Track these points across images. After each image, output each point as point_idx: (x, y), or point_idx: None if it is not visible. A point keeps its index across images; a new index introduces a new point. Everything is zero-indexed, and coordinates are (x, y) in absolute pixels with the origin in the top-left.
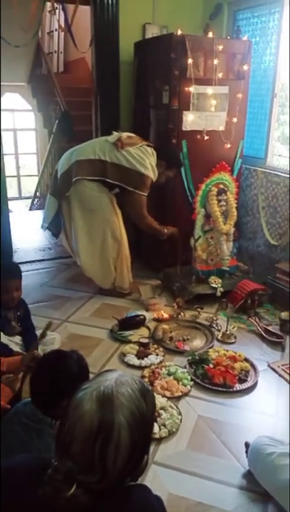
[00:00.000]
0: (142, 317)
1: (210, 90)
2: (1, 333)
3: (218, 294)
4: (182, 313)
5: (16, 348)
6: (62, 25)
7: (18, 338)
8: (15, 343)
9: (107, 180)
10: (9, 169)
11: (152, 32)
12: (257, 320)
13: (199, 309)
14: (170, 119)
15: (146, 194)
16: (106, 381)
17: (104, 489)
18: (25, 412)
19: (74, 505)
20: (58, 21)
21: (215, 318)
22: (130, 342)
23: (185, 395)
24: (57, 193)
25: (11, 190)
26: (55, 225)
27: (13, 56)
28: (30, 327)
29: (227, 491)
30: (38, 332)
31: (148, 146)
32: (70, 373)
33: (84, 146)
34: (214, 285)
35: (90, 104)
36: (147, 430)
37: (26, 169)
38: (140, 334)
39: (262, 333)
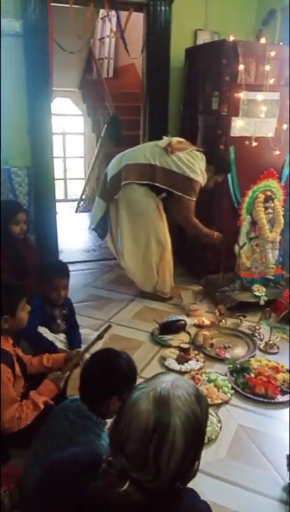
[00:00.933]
0: (183, 322)
1: (260, 96)
2: (47, 330)
3: (262, 302)
4: (223, 321)
5: (61, 346)
6: (115, 32)
7: (62, 336)
8: (59, 340)
9: (156, 184)
10: (57, 172)
11: (203, 38)
12: None
13: (241, 317)
14: (219, 124)
15: (194, 199)
16: (163, 383)
17: (156, 489)
18: (72, 408)
19: (127, 502)
20: (111, 28)
21: (257, 327)
22: (170, 346)
23: (225, 402)
24: (106, 196)
25: (58, 193)
26: (102, 227)
27: (65, 62)
28: (75, 325)
29: (267, 502)
30: (81, 331)
31: (197, 151)
32: (120, 373)
33: (135, 150)
34: (257, 293)
35: (138, 109)
36: (200, 435)
37: (73, 172)
38: (180, 339)
39: None
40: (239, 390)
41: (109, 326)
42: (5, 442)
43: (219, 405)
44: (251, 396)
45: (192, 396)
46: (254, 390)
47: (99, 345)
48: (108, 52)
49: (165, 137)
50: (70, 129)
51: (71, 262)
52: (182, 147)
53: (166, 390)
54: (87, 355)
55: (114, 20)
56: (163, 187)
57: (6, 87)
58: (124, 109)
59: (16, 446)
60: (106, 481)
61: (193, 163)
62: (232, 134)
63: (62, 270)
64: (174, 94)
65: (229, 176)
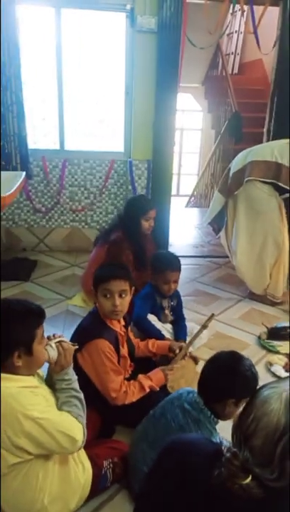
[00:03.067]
0: None
1: None
2: (156, 319)
3: None
4: None
5: (167, 335)
6: (245, 27)
7: (169, 326)
8: (166, 330)
9: (280, 184)
10: None
11: None
12: None
13: None
14: None
15: None
16: None
17: (278, 489)
18: (188, 399)
19: (247, 495)
20: (244, 23)
21: None
22: (278, 353)
23: None
24: (226, 191)
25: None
26: (218, 222)
27: (192, 58)
28: (182, 317)
29: None
30: (186, 324)
31: None
32: (243, 377)
33: (263, 147)
34: None
35: (262, 106)
36: None
37: (186, 168)
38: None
39: None
40: None
41: (213, 315)
42: (112, 417)
43: None
44: None
45: None
46: None
47: (204, 340)
48: (235, 48)
49: None
50: (188, 124)
51: (179, 256)
52: None
53: None
54: (191, 348)
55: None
56: (288, 188)
57: (137, 83)
58: (246, 105)
59: (121, 422)
60: (229, 471)
61: None
62: None
63: (174, 263)
64: None
65: None
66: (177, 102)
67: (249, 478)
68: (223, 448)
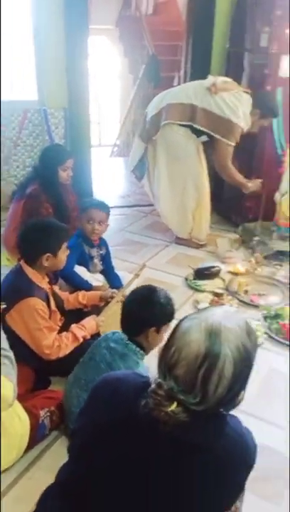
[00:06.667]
0: (217, 268)
1: None
2: (85, 270)
3: None
4: (259, 269)
5: (98, 284)
6: None
7: (100, 276)
8: (97, 280)
9: (195, 126)
10: (91, 116)
11: None
12: None
13: (278, 266)
14: (267, 64)
15: (233, 144)
16: (214, 315)
17: (202, 412)
18: (113, 338)
19: (173, 420)
20: None
21: None
22: (204, 291)
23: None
24: (145, 136)
25: (93, 138)
26: (140, 169)
27: None
28: (111, 266)
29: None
30: (118, 273)
31: (244, 92)
32: (157, 304)
33: (178, 89)
34: None
35: (178, 48)
36: (249, 367)
37: (107, 117)
38: (214, 285)
39: None
40: (273, 336)
41: (144, 265)
42: (46, 369)
43: None
44: (283, 341)
45: (243, 329)
46: (287, 336)
47: (133, 287)
48: None
49: (211, 76)
50: (104, 70)
51: None
52: (227, 87)
53: (217, 322)
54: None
55: None
56: (203, 129)
57: (45, 24)
58: (163, 48)
59: (56, 374)
60: (154, 400)
61: (237, 106)
62: (280, 75)
63: (99, 203)
64: (219, 31)
65: (274, 119)
66: (88, 44)
67: (175, 405)
68: (151, 380)
